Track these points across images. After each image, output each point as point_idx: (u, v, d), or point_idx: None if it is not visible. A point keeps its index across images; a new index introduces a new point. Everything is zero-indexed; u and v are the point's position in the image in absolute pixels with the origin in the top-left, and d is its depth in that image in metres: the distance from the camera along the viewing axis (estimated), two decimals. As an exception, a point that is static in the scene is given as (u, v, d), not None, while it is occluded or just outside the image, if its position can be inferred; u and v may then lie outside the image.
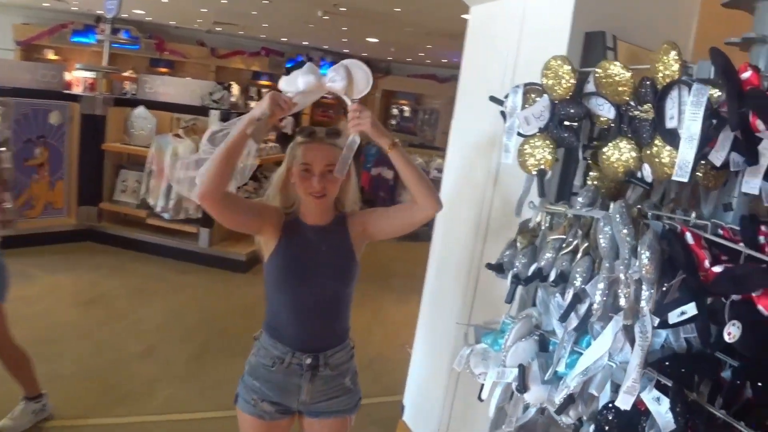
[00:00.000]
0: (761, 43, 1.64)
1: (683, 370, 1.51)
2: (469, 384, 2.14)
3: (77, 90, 10.88)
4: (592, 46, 2.33)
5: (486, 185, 2.75)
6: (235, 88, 14.32)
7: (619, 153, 1.65)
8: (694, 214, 1.66)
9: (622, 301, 1.44)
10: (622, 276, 1.45)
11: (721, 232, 1.62)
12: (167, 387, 3.74)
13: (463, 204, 2.91)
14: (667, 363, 1.51)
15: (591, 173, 1.92)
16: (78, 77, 12.33)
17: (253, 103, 15.63)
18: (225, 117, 6.23)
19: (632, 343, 1.51)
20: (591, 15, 2.34)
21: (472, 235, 2.82)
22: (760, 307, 1.34)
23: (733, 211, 1.72)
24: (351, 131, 1.86)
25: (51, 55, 13.84)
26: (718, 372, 1.56)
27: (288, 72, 1.91)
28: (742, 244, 1.54)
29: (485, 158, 2.76)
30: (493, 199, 2.72)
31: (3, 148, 5.65)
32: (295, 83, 1.83)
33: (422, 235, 8.69)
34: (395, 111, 17.54)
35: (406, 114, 17.45)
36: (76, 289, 5.14)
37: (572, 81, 1.69)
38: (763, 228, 1.68)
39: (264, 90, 16.11)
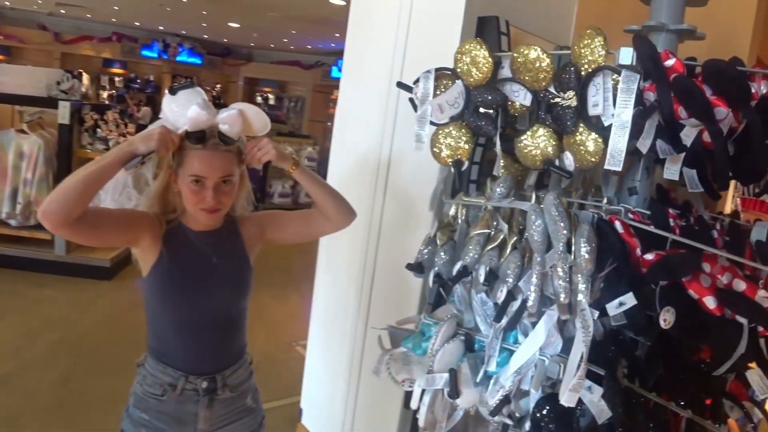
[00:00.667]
0: (659, 31, 1.65)
1: (608, 357, 1.51)
2: (373, 382, 2.05)
3: None
4: (485, 31, 2.30)
5: (378, 177, 2.65)
6: (85, 77, 13.25)
7: (537, 141, 1.60)
8: (605, 201, 1.67)
9: (562, 297, 1.39)
10: (558, 270, 1.39)
11: (631, 216, 1.64)
12: (32, 421, 3.27)
13: (353, 198, 2.79)
14: (593, 351, 1.49)
15: (501, 162, 1.87)
16: None
17: (105, 94, 14.68)
18: (77, 108, 5.69)
19: (562, 334, 1.49)
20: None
21: (364, 230, 2.71)
22: (691, 292, 1.35)
23: (637, 195, 1.74)
24: (254, 165, 1.72)
25: None
26: (634, 351, 1.59)
27: (173, 91, 1.63)
28: (653, 227, 1.57)
29: (375, 147, 2.66)
30: (386, 192, 2.63)
31: None
32: (183, 117, 1.59)
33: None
34: (260, 99, 17.07)
35: (272, 102, 17.04)
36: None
37: (489, 66, 1.62)
38: (671, 211, 1.72)
39: (117, 79, 15.12)
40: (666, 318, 1.32)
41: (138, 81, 15.32)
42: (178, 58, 15.64)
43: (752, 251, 1.70)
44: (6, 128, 5.67)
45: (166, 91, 1.67)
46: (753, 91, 1.41)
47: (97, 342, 4.29)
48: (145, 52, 15.24)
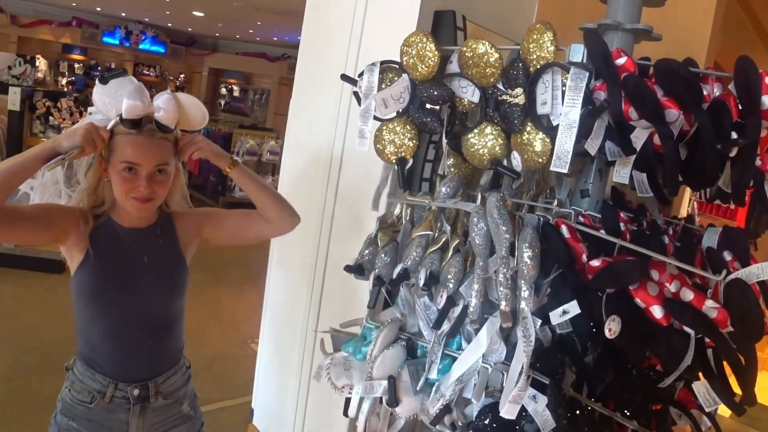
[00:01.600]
0: (615, 30, 1.60)
1: (554, 365, 1.45)
2: (323, 385, 1.97)
3: None
4: (441, 25, 2.24)
5: (330, 173, 2.57)
6: (43, 63, 12.86)
7: (485, 140, 1.53)
8: (555, 203, 1.61)
9: (503, 304, 1.32)
10: (500, 276, 1.33)
11: (581, 219, 1.59)
12: (-29, 421, 3.14)
13: (305, 194, 2.70)
14: (539, 359, 1.43)
15: (449, 161, 1.80)
16: None
17: (64, 80, 14.28)
18: (28, 95, 5.49)
19: (507, 342, 1.43)
20: (439, -8, 2.24)
21: (316, 227, 2.63)
22: (638, 300, 1.29)
23: (589, 197, 1.69)
24: (183, 159, 1.66)
25: None
26: (582, 358, 1.53)
27: (104, 79, 1.54)
28: (603, 231, 1.52)
29: (327, 144, 2.58)
30: (338, 188, 2.55)
31: None
32: (116, 106, 1.50)
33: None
34: (224, 90, 16.80)
35: (236, 93, 16.79)
36: None
37: (436, 60, 1.54)
38: (622, 215, 1.67)
39: (77, 66, 14.70)
40: (611, 327, 1.26)
41: (99, 68, 14.92)
42: (141, 46, 15.28)
43: (702, 258, 1.67)
44: (-48, 113, 5.45)
45: (97, 81, 1.59)
46: (705, 93, 1.36)
47: (43, 338, 4.14)
48: (107, 39, 14.82)
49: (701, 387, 1.35)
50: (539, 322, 1.32)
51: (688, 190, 3.36)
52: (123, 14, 14.35)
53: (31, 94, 5.57)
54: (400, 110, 1.63)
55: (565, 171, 1.31)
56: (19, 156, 1.46)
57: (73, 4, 13.62)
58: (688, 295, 1.30)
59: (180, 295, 1.73)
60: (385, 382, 1.48)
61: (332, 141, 2.56)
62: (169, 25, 15.23)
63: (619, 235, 1.53)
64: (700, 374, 1.40)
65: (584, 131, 1.35)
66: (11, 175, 1.42)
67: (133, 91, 1.50)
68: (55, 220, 1.55)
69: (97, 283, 1.60)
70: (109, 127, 1.52)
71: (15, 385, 3.52)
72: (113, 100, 1.53)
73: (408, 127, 1.63)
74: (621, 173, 1.41)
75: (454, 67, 1.59)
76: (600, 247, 1.45)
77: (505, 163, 1.56)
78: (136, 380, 1.64)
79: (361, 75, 1.66)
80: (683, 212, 3.55)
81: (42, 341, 4.09)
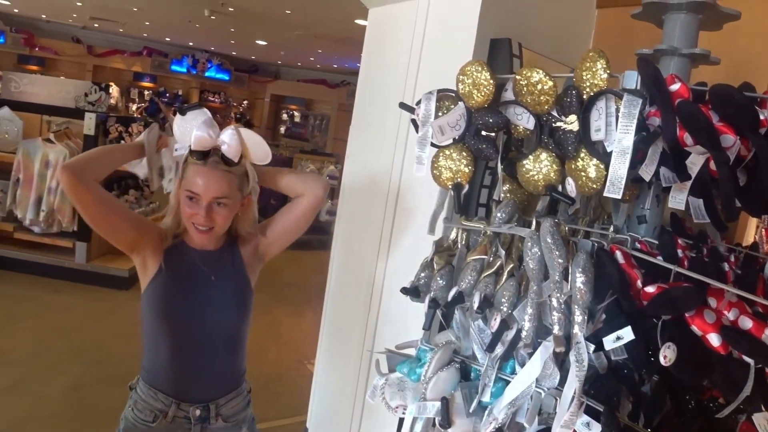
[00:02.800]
0: (671, 55, 1.60)
1: (610, 392, 1.44)
2: (378, 405, 2.00)
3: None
4: (497, 53, 2.27)
5: (388, 197, 2.62)
6: (115, 90, 13.47)
7: (540, 166, 1.55)
8: (612, 229, 1.61)
9: (556, 328, 1.33)
10: (553, 301, 1.34)
11: (638, 245, 1.58)
12: (39, 427, 3.29)
13: (363, 217, 2.77)
14: (594, 385, 1.43)
15: (505, 186, 1.83)
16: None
17: (134, 106, 14.91)
18: (102, 120, 5.77)
19: (561, 367, 1.43)
20: (495, 21, 2.29)
21: (373, 250, 2.68)
22: (694, 327, 1.28)
23: (646, 223, 1.68)
24: None
25: None
26: (639, 387, 1.52)
27: (182, 111, 1.68)
28: (660, 258, 1.51)
29: (386, 168, 2.63)
30: (395, 212, 2.59)
31: None
32: (189, 135, 1.62)
33: (314, 243, 8.52)
34: (285, 116, 17.21)
35: (297, 119, 17.17)
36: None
37: (491, 88, 1.58)
38: (679, 241, 1.66)
39: (147, 92, 15.36)
40: (666, 354, 1.26)
41: (167, 95, 15.56)
42: (207, 74, 15.88)
43: (765, 286, 1.63)
44: (34, 137, 5.78)
45: (177, 112, 1.70)
46: (762, 117, 1.35)
47: (110, 351, 4.31)
48: (175, 67, 15.50)
49: (762, 419, 1.33)
50: (592, 347, 1.32)
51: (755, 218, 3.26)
52: (190, 44, 14.98)
53: (104, 120, 5.84)
54: (457, 137, 1.66)
55: (619, 197, 1.31)
56: (120, 144, 1.64)
57: (145, 35, 14.31)
58: (746, 323, 1.28)
59: (245, 317, 1.78)
60: (438, 404, 1.50)
61: (390, 166, 2.61)
62: (234, 53, 15.78)
63: (677, 261, 1.52)
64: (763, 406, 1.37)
65: (639, 157, 1.36)
66: (106, 154, 1.71)
67: (202, 124, 1.59)
68: (143, 228, 1.68)
69: (166, 298, 1.67)
70: (176, 154, 1.65)
71: (82, 395, 3.68)
72: (187, 131, 1.63)
73: (464, 153, 1.67)
74: (677, 199, 1.41)
75: (509, 94, 1.63)
76: (657, 274, 1.44)
77: (560, 188, 1.57)
78: (198, 401, 1.69)
79: (418, 103, 1.71)
80: (749, 239, 3.44)
81: (109, 355, 4.27)
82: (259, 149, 1.70)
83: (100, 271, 5.72)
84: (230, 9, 9.18)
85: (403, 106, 1.81)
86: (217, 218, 1.63)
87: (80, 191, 1.56)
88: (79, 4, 10.86)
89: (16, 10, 12.79)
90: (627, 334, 1.27)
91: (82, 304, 5.27)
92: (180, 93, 15.94)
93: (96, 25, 13.51)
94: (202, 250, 1.72)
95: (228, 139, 1.60)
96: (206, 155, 1.60)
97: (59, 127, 5.82)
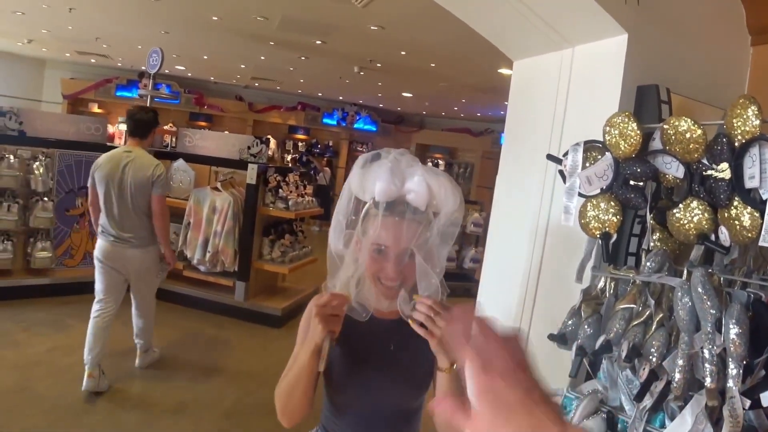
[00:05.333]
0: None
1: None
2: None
3: (119, 142, 11.22)
4: (645, 100, 2.25)
5: (534, 245, 2.64)
6: (272, 142, 14.55)
7: (691, 215, 1.54)
8: (772, 280, 1.54)
9: (708, 381, 1.30)
10: (705, 352, 1.31)
11: (803, 299, 1.50)
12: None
13: (509, 264, 2.80)
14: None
15: (655, 235, 1.81)
16: (120, 130, 12.79)
17: (288, 157, 15.93)
18: (263, 170, 6.25)
19: (716, 424, 1.38)
20: (642, 67, 2.27)
21: (520, 296, 2.69)
22: None
23: (812, 274, 1.59)
24: (412, 324, 1.45)
25: (95, 109, 14.37)
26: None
27: (361, 162, 1.53)
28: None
29: (533, 216, 2.66)
30: (542, 260, 2.60)
31: (46, 198, 5.87)
32: (371, 189, 1.49)
33: (459, 290, 8.52)
34: (430, 164, 17.54)
35: (441, 168, 17.45)
36: (112, 340, 5.11)
37: (638, 139, 1.59)
38: None
39: (300, 144, 16.34)
40: (835, 414, 1.19)
41: (318, 146, 16.48)
42: (356, 126, 16.65)
43: None
44: (204, 186, 6.45)
45: (354, 165, 1.58)
46: None
47: (262, 383, 4.61)
48: (326, 120, 16.42)
49: None
50: (749, 403, 1.28)
51: None
52: (340, 97, 15.84)
53: (265, 170, 6.33)
54: (604, 187, 1.68)
55: (776, 247, 1.28)
56: (292, 365, 1.54)
57: (299, 91, 15.36)
58: None
59: (423, 390, 1.64)
60: (585, 452, 1.50)
61: (537, 214, 2.63)
62: (381, 105, 16.45)
63: None
64: None
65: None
66: (294, 385, 1.52)
67: (385, 174, 1.47)
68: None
69: (340, 365, 1.58)
70: (363, 211, 1.50)
71: (235, 422, 4.00)
72: (368, 183, 1.50)
73: (612, 203, 1.68)
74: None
75: (657, 143, 1.63)
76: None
77: (712, 237, 1.54)
78: None
79: (565, 154, 1.75)
80: None
81: (261, 386, 4.56)
82: (447, 195, 1.50)
83: (256, 308, 6.16)
84: (378, 65, 9.66)
85: (550, 157, 1.86)
86: (407, 271, 1.48)
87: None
88: (242, 66, 11.92)
89: (189, 74, 14.28)
90: (788, 390, 1.22)
91: (239, 339, 5.68)
92: (330, 144, 16.82)
93: (256, 84, 14.73)
94: (381, 318, 1.58)
95: (416, 186, 1.48)
96: (391, 205, 1.48)
97: (225, 177, 6.41)
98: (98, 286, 4.17)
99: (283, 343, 5.59)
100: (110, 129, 12.88)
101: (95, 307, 4.13)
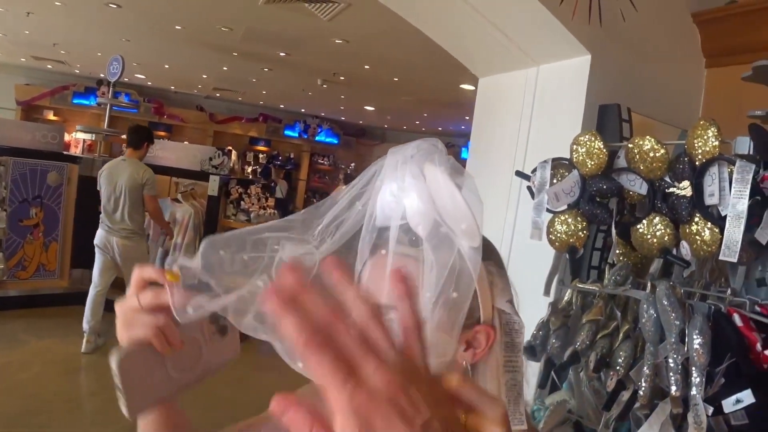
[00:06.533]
0: (786, 118, 1.62)
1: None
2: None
3: (76, 151, 10.97)
4: (606, 119, 2.33)
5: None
6: (233, 154, 14.42)
7: (654, 230, 1.60)
8: (729, 291, 1.61)
9: (673, 389, 1.36)
10: (670, 361, 1.37)
11: (758, 309, 1.57)
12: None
13: (476, 277, 2.83)
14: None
15: (618, 249, 1.87)
16: (77, 139, 12.47)
17: (249, 169, 15.81)
18: (225, 182, 6.21)
19: (679, 430, 1.43)
20: (604, 87, 2.36)
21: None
22: (819, 395, 1.27)
23: (766, 286, 1.67)
24: None
25: (51, 116, 13.94)
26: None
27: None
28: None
29: (497, 231, 2.71)
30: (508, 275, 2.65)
31: (-2, 208, 5.77)
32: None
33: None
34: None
35: (402, 180, 17.55)
36: (66, 356, 4.96)
37: (604, 157, 1.66)
38: (803, 307, 1.63)
39: (261, 155, 16.24)
40: (790, 420, 1.25)
41: (280, 158, 16.40)
42: (317, 138, 16.63)
43: None
44: (164, 197, 6.32)
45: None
46: None
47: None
48: (287, 132, 16.35)
49: None
50: (711, 409, 1.33)
51: None
52: (303, 110, 15.82)
53: (227, 182, 6.29)
54: (571, 203, 1.74)
55: (734, 260, 1.34)
56: None
57: (261, 102, 15.29)
58: None
59: None
60: (554, 461, 1.54)
61: (502, 229, 2.68)
62: (343, 118, 16.49)
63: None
64: None
65: (754, 221, 1.38)
66: None
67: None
68: None
69: None
70: None
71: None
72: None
73: (578, 218, 1.74)
74: (796, 263, 1.41)
75: (621, 161, 1.70)
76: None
77: (674, 251, 1.61)
78: None
79: (534, 171, 1.80)
80: None
81: (245, 402, 4.47)
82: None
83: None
84: (341, 78, 9.70)
85: (519, 174, 1.91)
86: None
87: None
88: (204, 76, 11.82)
89: (149, 83, 14.07)
90: (747, 397, 1.28)
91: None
92: (292, 156, 16.76)
93: (218, 94, 14.59)
94: None
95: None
96: None
97: (186, 188, 6.34)
98: (94, 269, 5.18)
99: (244, 346, 5.49)
100: (66, 137, 12.59)
101: (92, 286, 5.13)
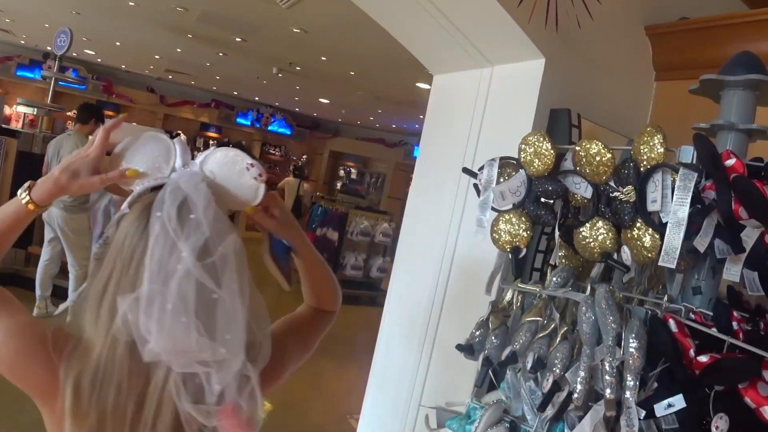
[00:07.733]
0: (728, 130, 1.65)
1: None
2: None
3: (17, 126, 10.52)
4: (557, 123, 2.36)
5: (443, 257, 2.69)
6: (183, 138, 14.08)
7: (597, 233, 1.61)
8: (666, 298, 1.64)
9: (607, 392, 1.37)
10: (606, 364, 1.38)
11: (692, 316, 1.60)
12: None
13: (418, 275, 2.84)
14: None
15: (561, 252, 1.88)
16: (18, 112, 11.95)
17: (198, 155, 15.49)
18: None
19: (611, 433, 1.45)
20: (556, 92, 2.38)
21: (427, 307, 2.73)
22: (747, 399, 1.30)
23: (701, 294, 1.70)
24: None
25: (-9, 87, 13.36)
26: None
27: None
28: (714, 329, 1.53)
29: (443, 229, 2.71)
30: (450, 272, 2.66)
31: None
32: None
33: (364, 298, 8.53)
34: (342, 172, 17.60)
35: (354, 176, 17.52)
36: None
37: (551, 158, 1.66)
38: (735, 313, 1.67)
39: (212, 142, 15.95)
40: (719, 425, 1.28)
41: (230, 145, 16.11)
42: (270, 128, 16.44)
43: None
44: (112, 179, 6.10)
45: None
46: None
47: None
48: (240, 120, 16.11)
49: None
50: (643, 413, 1.35)
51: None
52: (256, 98, 15.60)
53: (173, 167, 6.13)
54: (517, 203, 1.74)
55: (673, 266, 1.36)
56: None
57: (214, 88, 15.00)
58: (802, 399, 1.29)
59: None
60: (487, 460, 1.53)
61: (447, 227, 2.68)
62: (297, 109, 16.34)
63: (731, 333, 1.53)
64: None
65: (694, 229, 1.40)
66: None
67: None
68: None
69: None
70: None
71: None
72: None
73: (523, 218, 1.74)
74: (731, 271, 1.44)
75: (568, 164, 1.70)
76: (711, 346, 1.46)
77: (615, 256, 1.62)
78: None
79: (481, 169, 1.80)
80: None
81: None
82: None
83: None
84: (297, 68, 9.59)
85: (466, 171, 1.90)
86: None
87: None
88: (157, 57, 11.52)
89: (99, 60, 13.61)
90: (678, 402, 1.30)
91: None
92: (243, 144, 16.52)
93: (170, 77, 14.23)
94: None
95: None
96: None
97: (133, 171, 6.15)
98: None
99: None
100: (7, 110, 12.07)
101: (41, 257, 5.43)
